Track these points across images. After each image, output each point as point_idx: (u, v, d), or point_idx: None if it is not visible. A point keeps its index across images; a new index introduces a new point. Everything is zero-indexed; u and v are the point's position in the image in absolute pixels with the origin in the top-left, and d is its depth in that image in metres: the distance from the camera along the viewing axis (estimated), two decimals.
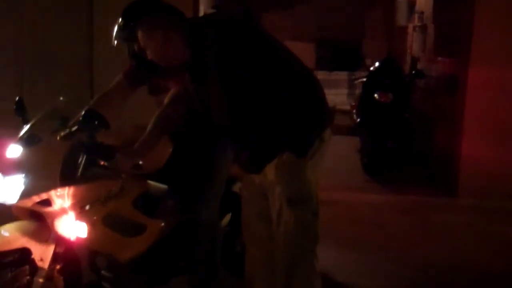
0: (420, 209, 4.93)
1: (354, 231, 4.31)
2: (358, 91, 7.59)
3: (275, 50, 2.35)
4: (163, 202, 2.77)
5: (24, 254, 2.36)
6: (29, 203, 2.31)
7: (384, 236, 4.28)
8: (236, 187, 3.18)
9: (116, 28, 2.57)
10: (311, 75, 2.50)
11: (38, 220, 2.40)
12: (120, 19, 2.52)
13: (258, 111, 2.27)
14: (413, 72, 6.71)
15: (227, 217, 3.12)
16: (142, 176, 2.64)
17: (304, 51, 9.40)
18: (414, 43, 7.82)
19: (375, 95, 5.94)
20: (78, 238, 2.37)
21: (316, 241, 2.45)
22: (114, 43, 2.60)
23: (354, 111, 6.56)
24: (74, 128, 2.42)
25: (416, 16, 7.76)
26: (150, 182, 2.69)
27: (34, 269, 2.37)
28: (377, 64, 6.56)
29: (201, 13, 7.39)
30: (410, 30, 8.18)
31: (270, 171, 2.36)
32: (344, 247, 3.96)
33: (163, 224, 2.72)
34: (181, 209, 2.77)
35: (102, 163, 2.41)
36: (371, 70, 6.55)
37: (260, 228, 2.56)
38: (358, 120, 6.22)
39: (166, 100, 2.62)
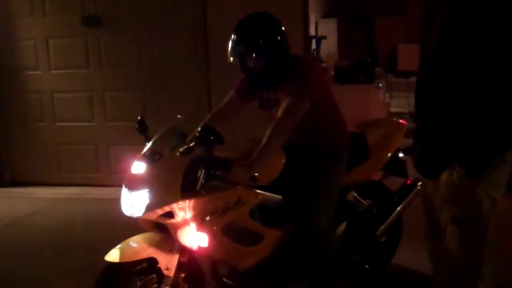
0: None
1: None
2: None
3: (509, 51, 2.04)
4: (278, 212, 2.82)
5: (151, 263, 2.50)
6: (153, 215, 2.43)
7: None
8: (350, 196, 3.17)
9: (230, 44, 2.68)
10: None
11: (163, 232, 2.53)
12: (233, 35, 2.62)
13: (450, 102, 2.05)
14: None
15: (342, 226, 3.11)
16: (257, 187, 2.71)
17: (418, 54, 9.10)
18: None
19: None
20: (200, 248, 2.48)
21: (479, 263, 2.23)
22: (230, 59, 2.71)
23: None
24: (192, 144, 2.53)
25: None
26: (265, 193, 2.75)
27: (161, 277, 2.50)
28: None
29: (312, 22, 7.41)
30: None
31: (440, 184, 2.21)
32: None
33: (279, 233, 2.78)
34: (296, 218, 2.81)
35: (219, 176, 2.51)
36: None
37: (429, 239, 2.43)
38: None
39: (279, 113, 2.67)
